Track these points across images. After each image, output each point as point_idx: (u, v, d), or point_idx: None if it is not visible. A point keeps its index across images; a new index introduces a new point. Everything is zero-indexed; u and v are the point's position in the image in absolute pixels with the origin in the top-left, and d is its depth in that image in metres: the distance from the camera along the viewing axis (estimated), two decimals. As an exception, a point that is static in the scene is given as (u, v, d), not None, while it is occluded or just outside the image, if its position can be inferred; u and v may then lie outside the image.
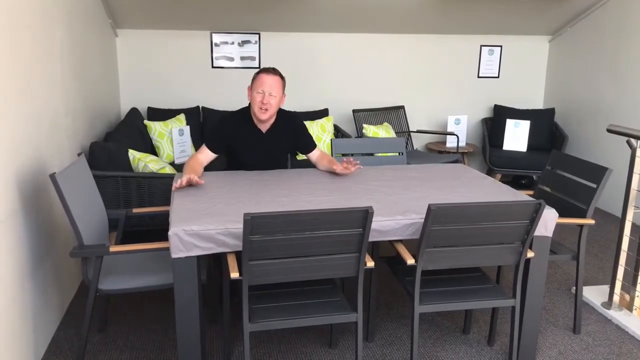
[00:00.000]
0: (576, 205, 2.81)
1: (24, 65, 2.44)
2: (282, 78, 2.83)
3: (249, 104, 2.88)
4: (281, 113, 2.96)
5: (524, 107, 5.86)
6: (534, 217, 2.17)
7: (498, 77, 5.75)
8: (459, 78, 5.68)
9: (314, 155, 3.04)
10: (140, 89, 5.05)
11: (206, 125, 4.96)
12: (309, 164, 3.14)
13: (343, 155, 3.33)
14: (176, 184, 2.52)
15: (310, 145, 3.04)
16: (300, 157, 4.72)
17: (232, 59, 5.14)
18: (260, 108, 2.78)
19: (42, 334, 2.57)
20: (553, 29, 5.58)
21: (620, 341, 2.79)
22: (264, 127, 2.92)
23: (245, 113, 2.93)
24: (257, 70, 2.84)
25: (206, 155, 2.89)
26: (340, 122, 5.48)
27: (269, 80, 2.76)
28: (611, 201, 4.93)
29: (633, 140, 2.87)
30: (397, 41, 5.43)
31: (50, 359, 2.52)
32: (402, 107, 5.45)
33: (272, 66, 2.95)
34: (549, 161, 3.10)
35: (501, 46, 5.67)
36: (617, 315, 2.99)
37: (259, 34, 5.12)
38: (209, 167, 2.89)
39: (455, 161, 4.88)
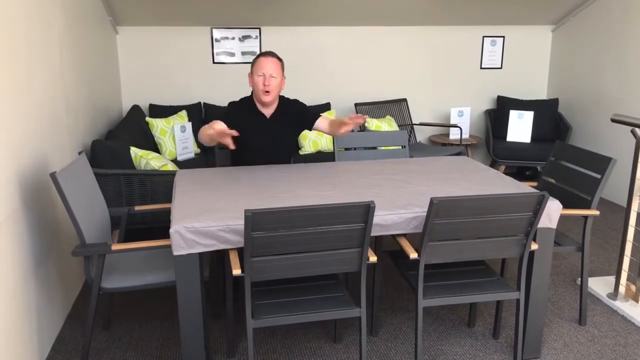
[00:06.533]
0: (580, 196, 2.79)
1: (24, 64, 2.43)
2: (280, 60, 2.88)
3: (252, 91, 2.93)
4: (282, 99, 3.00)
5: (528, 97, 5.83)
6: (538, 209, 2.15)
7: (501, 68, 5.71)
8: (462, 70, 5.65)
9: (323, 123, 3.03)
10: (141, 86, 5.04)
11: (208, 121, 4.95)
12: (311, 159, 3.13)
13: (346, 149, 3.32)
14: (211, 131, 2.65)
15: (315, 116, 3.04)
16: (303, 151, 4.70)
17: (233, 55, 5.12)
18: (263, 90, 2.82)
19: (47, 333, 2.57)
20: (556, 19, 5.53)
21: (627, 332, 2.77)
22: (268, 112, 2.95)
23: (249, 100, 2.97)
24: (255, 56, 2.85)
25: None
26: (342, 115, 5.47)
27: (268, 63, 2.81)
28: (616, 191, 4.90)
29: (638, 130, 2.84)
30: (398, 33, 5.40)
31: (55, 357, 2.53)
32: (405, 100, 5.43)
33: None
34: (553, 152, 3.08)
35: (504, 37, 5.62)
36: (623, 306, 2.98)
37: (259, 28, 5.09)
38: (212, 164, 2.88)
39: (459, 153, 4.85)
